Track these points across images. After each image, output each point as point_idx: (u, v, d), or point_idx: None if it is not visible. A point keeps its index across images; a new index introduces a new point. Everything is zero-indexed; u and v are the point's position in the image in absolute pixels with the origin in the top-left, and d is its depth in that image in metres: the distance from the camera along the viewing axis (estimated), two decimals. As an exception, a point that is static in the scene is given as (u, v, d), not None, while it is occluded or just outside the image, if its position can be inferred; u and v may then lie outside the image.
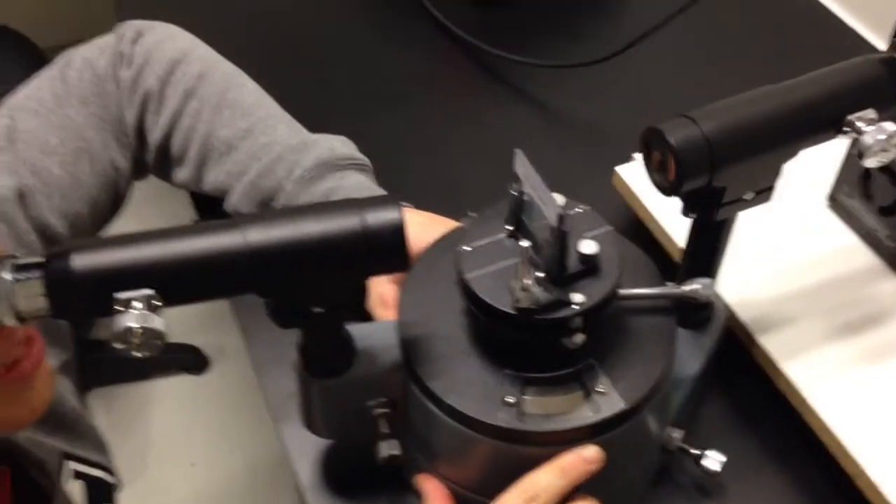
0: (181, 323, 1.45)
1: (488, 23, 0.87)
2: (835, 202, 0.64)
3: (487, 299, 0.47)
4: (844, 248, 0.63)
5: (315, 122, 0.68)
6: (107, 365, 1.46)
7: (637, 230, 0.68)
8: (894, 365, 0.56)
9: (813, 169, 0.61)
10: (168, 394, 1.46)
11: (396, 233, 0.44)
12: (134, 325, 0.40)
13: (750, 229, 0.60)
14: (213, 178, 0.66)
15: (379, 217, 0.44)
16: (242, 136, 0.65)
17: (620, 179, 0.69)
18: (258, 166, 0.63)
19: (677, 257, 0.63)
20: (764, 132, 0.49)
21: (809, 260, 0.62)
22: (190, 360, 1.48)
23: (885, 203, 0.59)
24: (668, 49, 0.81)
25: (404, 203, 0.64)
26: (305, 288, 0.45)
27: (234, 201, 0.65)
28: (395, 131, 0.79)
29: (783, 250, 0.63)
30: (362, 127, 0.77)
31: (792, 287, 0.61)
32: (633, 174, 0.68)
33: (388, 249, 0.44)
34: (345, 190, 0.62)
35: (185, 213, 0.71)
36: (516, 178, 0.48)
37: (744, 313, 0.59)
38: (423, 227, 0.59)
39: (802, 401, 0.55)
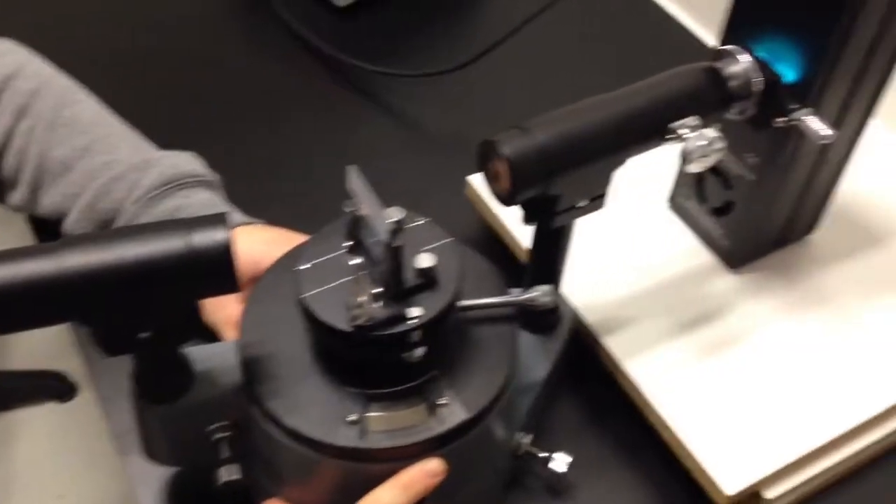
0: (47, 347, 1.39)
1: (346, 32, 0.86)
2: (674, 204, 0.67)
3: (324, 318, 0.46)
4: (684, 248, 0.65)
5: (170, 138, 0.66)
6: (-38, 395, 1.38)
7: (489, 238, 0.69)
8: (727, 359, 0.59)
9: (655, 172, 0.64)
10: (33, 423, 1.39)
11: (223, 254, 0.43)
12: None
13: (595, 232, 0.62)
14: (49, 201, 0.63)
15: (205, 238, 0.43)
16: (79, 155, 0.62)
17: (472, 189, 0.69)
18: (95, 186, 0.61)
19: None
20: (593, 141, 0.50)
21: (652, 261, 0.64)
22: (56, 388, 1.41)
23: (717, 204, 0.62)
24: (523, 55, 0.82)
25: (256, 220, 0.63)
26: (130, 313, 0.43)
27: (71, 224, 0.62)
28: (254, 145, 0.77)
29: (627, 252, 0.64)
30: (220, 142, 0.76)
31: (635, 288, 0.63)
32: (484, 183, 0.68)
33: (214, 271, 0.43)
34: (190, 209, 0.60)
35: (26, 237, 0.68)
36: (350, 195, 0.48)
37: (589, 316, 0.61)
38: (273, 244, 0.57)
39: (642, 398, 0.57)
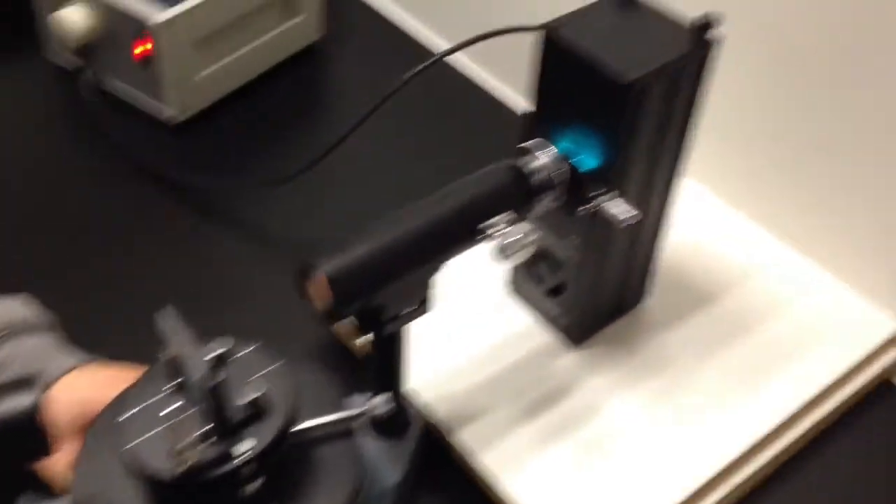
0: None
1: (188, 151, 0.87)
2: (513, 287, 0.69)
3: (148, 468, 0.45)
4: (527, 330, 0.67)
5: (10, 278, 0.64)
6: None
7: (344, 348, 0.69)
8: (576, 436, 0.60)
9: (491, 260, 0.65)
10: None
11: (28, 421, 0.42)
12: None
13: (440, 323, 0.63)
14: None
15: (10, 406, 0.42)
16: None
17: (318, 292, 0.70)
18: None
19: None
20: (408, 252, 0.51)
21: (497, 346, 0.66)
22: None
23: (551, 285, 0.64)
24: (361, 154, 0.83)
25: (94, 357, 0.62)
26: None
27: None
28: (100, 276, 0.76)
29: (473, 340, 0.66)
30: (63, 276, 0.75)
31: (483, 376, 0.64)
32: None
33: (21, 438, 0.42)
34: (26, 355, 0.58)
35: None
36: (163, 339, 0.48)
37: (440, 410, 0.61)
38: (105, 387, 0.56)
39: (493, 487, 0.58)
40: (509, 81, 0.94)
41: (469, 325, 0.66)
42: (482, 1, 0.93)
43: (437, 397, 0.62)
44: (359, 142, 0.75)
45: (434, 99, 0.91)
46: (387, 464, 0.57)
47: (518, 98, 0.92)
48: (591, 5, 0.56)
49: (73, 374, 0.59)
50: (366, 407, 0.54)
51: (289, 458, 0.50)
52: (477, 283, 0.67)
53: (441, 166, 0.84)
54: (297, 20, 0.94)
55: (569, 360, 0.65)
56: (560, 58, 0.54)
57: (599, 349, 0.65)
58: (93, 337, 0.63)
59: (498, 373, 0.64)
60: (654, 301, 0.68)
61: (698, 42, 0.53)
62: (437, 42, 0.99)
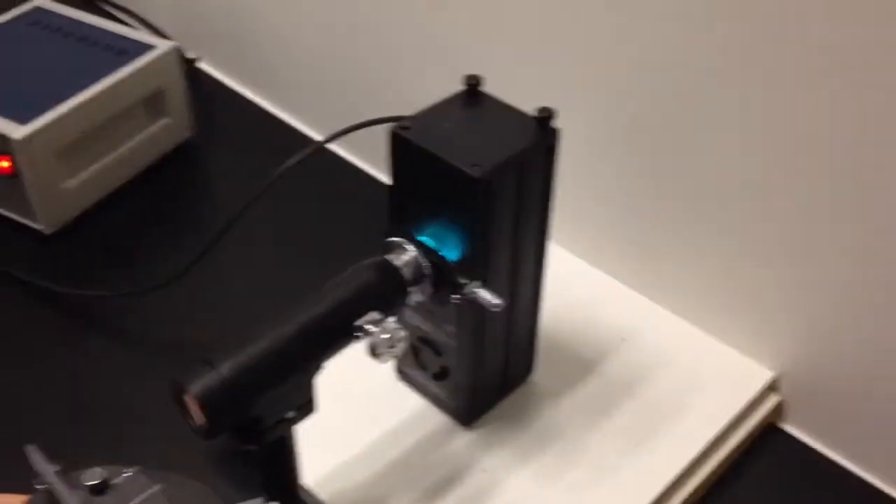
0: None
1: (61, 260, 0.84)
2: (401, 373, 0.69)
3: None
4: (418, 415, 0.67)
5: None
6: None
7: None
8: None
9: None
10: None
11: None
12: None
13: (330, 417, 0.62)
14: None
15: None
16: None
17: (204, 400, 0.68)
18: None
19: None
20: (280, 361, 0.51)
21: (389, 434, 0.65)
22: None
23: (435, 370, 0.64)
24: (244, 250, 0.83)
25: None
26: None
27: None
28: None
29: (366, 430, 0.65)
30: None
31: (378, 465, 0.63)
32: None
33: None
34: None
35: None
36: (36, 475, 0.46)
37: (339, 508, 0.61)
38: None
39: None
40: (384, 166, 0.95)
41: (360, 415, 0.66)
42: (352, 90, 0.94)
43: (333, 493, 0.61)
44: (239, 236, 0.74)
45: (313, 186, 0.92)
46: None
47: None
48: (440, 102, 0.57)
49: None
50: (252, 523, 0.53)
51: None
52: (364, 370, 0.67)
53: (325, 257, 0.85)
54: (163, 122, 0.93)
55: (462, 441, 0.65)
56: (410, 155, 0.55)
57: (491, 428, 0.66)
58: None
59: (394, 461, 0.64)
60: (540, 374, 0.69)
61: (543, 131, 0.55)
62: (307, 131, 1.01)
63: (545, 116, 0.56)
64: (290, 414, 0.53)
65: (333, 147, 0.97)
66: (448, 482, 0.63)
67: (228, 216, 0.74)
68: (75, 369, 0.75)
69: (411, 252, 0.56)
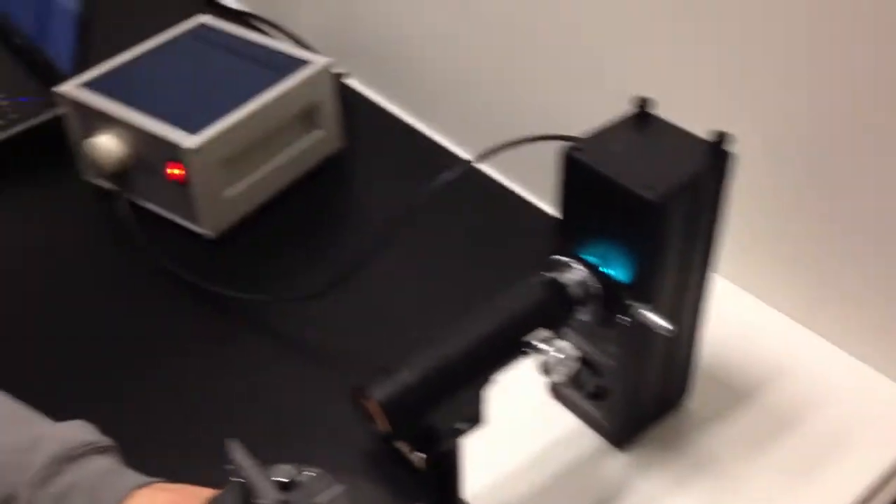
0: None
1: (222, 263, 0.89)
2: (555, 392, 0.69)
3: None
4: (572, 434, 0.67)
5: (55, 394, 0.65)
6: None
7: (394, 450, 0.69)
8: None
9: (530, 363, 0.66)
10: None
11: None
12: None
13: (486, 434, 0.63)
14: None
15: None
16: None
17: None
18: None
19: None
20: (456, 372, 0.52)
21: (544, 453, 0.66)
22: None
23: (592, 390, 0.65)
24: (397, 261, 0.85)
25: (155, 479, 0.62)
26: None
27: None
28: (142, 391, 0.77)
29: (519, 449, 0.66)
30: (107, 391, 0.76)
31: (532, 482, 0.64)
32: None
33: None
34: (86, 481, 0.59)
35: None
36: (234, 468, 0.49)
37: (492, 521, 0.62)
38: None
39: None
40: (534, 187, 0.96)
41: (515, 433, 0.67)
42: (499, 110, 0.96)
43: (489, 507, 0.62)
44: (389, 250, 0.77)
45: (460, 205, 0.94)
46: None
47: (544, 204, 0.95)
48: (610, 124, 0.58)
49: (135, 497, 0.59)
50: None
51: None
52: (519, 389, 0.68)
53: (473, 273, 0.86)
54: (316, 134, 0.97)
55: (616, 463, 0.65)
56: (583, 177, 0.56)
57: (646, 451, 0.66)
58: (146, 457, 0.64)
59: (547, 480, 0.64)
60: (696, 400, 0.68)
61: (716, 155, 0.55)
62: (454, 149, 1.03)
63: (720, 140, 0.55)
64: (461, 425, 0.54)
65: (485, 167, 0.98)
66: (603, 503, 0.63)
67: (380, 230, 0.77)
68: (234, 368, 0.79)
69: (580, 271, 0.56)
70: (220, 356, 0.80)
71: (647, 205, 0.52)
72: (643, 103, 0.58)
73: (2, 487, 0.59)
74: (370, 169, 1.01)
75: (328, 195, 0.97)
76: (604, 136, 0.58)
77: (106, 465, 0.61)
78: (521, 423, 0.68)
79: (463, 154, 1.01)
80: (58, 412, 0.64)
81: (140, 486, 0.61)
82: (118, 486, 0.60)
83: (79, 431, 0.63)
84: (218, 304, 0.84)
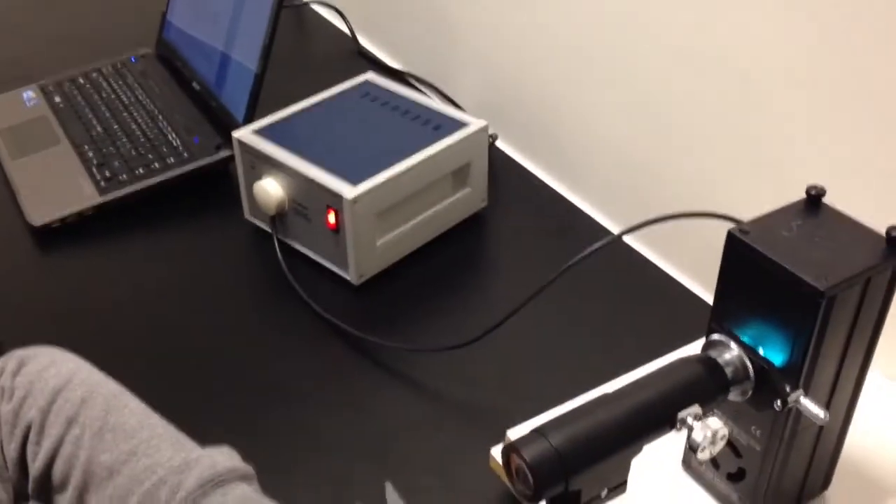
0: None
1: (366, 309, 0.93)
2: (689, 466, 0.70)
3: None
4: (704, 512, 0.67)
5: (204, 421, 0.70)
6: None
7: (515, 508, 0.71)
8: None
9: (667, 436, 0.67)
10: None
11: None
12: None
13: (618, 500, 0.65)
14: None
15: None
16: (125, 459, 0.66)
17: (495, 460, 0.73)
18: (141, 492, 0.64)
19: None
20: (608, 439, 0.54)
21: (675, 527, 0.66)
22: None
23: (730, 470, 0.65)
24: (535, 323, 0.88)
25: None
26: None
27: None
28: (283, 426, 0.81)
29: (650, 518, 0.67)
30: (251, 423, 0.80)
31: (662, 557, 0.64)
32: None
33: None
34: None
35: None
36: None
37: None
38: None
39: None
40: (676, 262, 0.97)
41: (645, 500, 0.67)
42: (646, 185, 0.98)
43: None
44: (529, 310, 0.79)
45: (599, 274, 0.95)
46: None
47: (685, 279, 0.95)
48: (779, 209, 0.59)
49: None
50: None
51: None
52: (652, 459, 0.69)
53: (612, 341, 0.87)
54: (465, 191, 1.01)
55: (751, 547, 0.65)
56: (747, 258, 0.57)
57: (781, 538, 0.65)
58: (277, 491, 0.68)
59: (677, 556, 0.64)
60: (836, 492, 0.67)
61: (890, 250, 0.55)
62: (594, 214, 1.05)
63: (894, 236, 0.55)
64: (604, 492, 0.56)
65: (626, 238, 1.00)
66: (734, 585, 0.62)
67: (518, 288, 0.79)
68: (368, 413, 0.83)
69: (735, 351, 0.57)
70: (356, 399, 0.84)
71: (816, 293, 0.53)
72: (816, 191, 0.59)
73: (151, 503, 0.64)
74: (513, 229, 1.04)
75: (470, 252, 1.01)
76: (772, 220, 0.59)
77: (248, 492, 0.65)
78: (651, 495, 0.68)
79: (607, 223, 1.03)
80: (196, 438, 0.69)
81: None
82: None
83: (225, 457, 0.67)
84: (358, 347, 0.89)
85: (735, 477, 0.65)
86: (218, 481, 0.65)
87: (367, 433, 0.80)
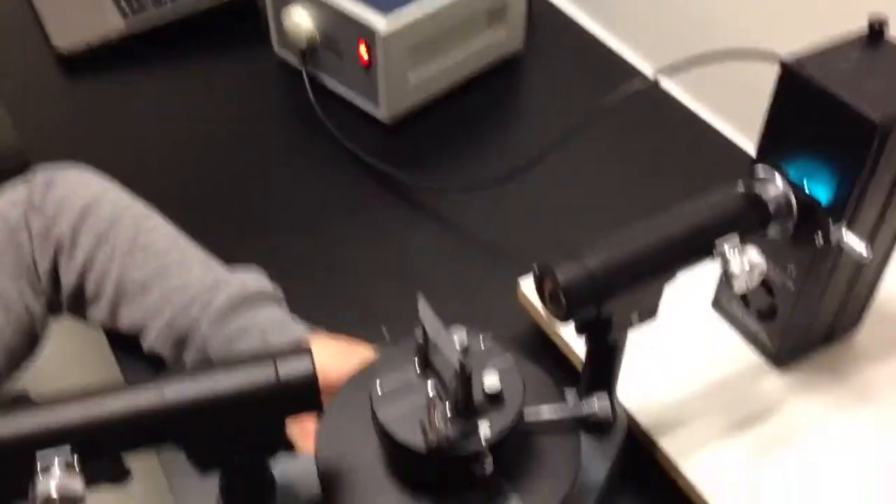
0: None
1: (396, 148, 0.92)
2: (718, 305, 0.70)
3: (401, 440, 0.49)
4: (730, 350, 0.68)
5: (231, 249, 0.71)
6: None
7: (542, 340, 0.72)
8: (782, 458, 0.61)
9: (697, 275, 0.67)
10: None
11: (310, 384, 0.47)
12: (53, 494, 0.42)
13: (644, 336, 0.65)
14: (128, 319, 0.68)
15: (292, 369, 0.47)
16: (155, 277, 0.67)
17: (523, 293, 0.73)
18: (171, 309, 0.66)
19: (579, 366, 0.67)
20: (643, 265, 0.53)
21: (701, 362, 0.67)
22: (111, 470, 1.46)
23: (761, 308, 0.65)
24: (565, 167, 0.86)
25: (318, 329, 0.67)
26: (223, 438, 0.47)
27: (150, 341, 0.66)
28: (310, 256, 0.82)
29: (676, 354, 0.67)
30: (277, 252, 0.81)
31: (687, 389, 0.65)
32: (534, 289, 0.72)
33: (301, 399, 0.47)
34: (258, 325, 0.65)
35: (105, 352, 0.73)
36: (420, 322, 0.52)
37: (643, 418, 0.63)
38: (338, 356, 0.61)
39: (700, 497, 0.59)
40: (712, 105, 0.94)
41: (673, 339, 0.68)
42: (687, 25, 0.94)
43: (640, 404, 0.64)
44: (563, 153, 0.78)
45: (634, 118, 0.93)
46: (592, 461, 0.60)
47: (720, 123, 0.93)
48: (836, 43, 0.56)
49: (314, 340, 0.64)
50: (591, 409, 0.57)
51: (517, 444, 0.53)
52: (682, 296, 0.69)
53: (645, 186, 0.86)
54: (501, 31, 0.98)
55: (774, 381, 0.65)
56: (801, 92, 0.55)
57: (805, 374, 0.66)
58: (308, 312, 0.69)
59: (701, 387, 0.65)
60: (866, 332, 0.68)
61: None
62: (631, 59, 1.01)
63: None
64: (634, 317, 0.56)
65: (665, 83, 0.97)
66: (757, 418, 0.63)
67: (550, 131, 0.78)
68: (395, 246, 0.83)
69: (780, 186, 0.56)
70: (384, 234, 0.84)
71: (870, 125, 0.51)
72: (878, 23, 0.56)
73: (184, 320, 0.65)
74: (547, 73, 1.01)
75: (504, 95, 0.99)
76: (828, 54, 0.56)
77: (277, 313, 0.66)
78: (679, 332, 0.69)
79: (641, 65, 1.00)
80: (230, 264, 0.70)
81: (308, 334, 0.66)
82: (288, 332, 0.65)
83: (255, 278, 0.68)
84: (387, 185, 0.88)
85: (765, 315, 0.65)
86: (248, 301, 0.66)
87: (394, 265, 0.81)
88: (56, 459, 0.44)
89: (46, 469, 0.43)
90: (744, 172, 0.58)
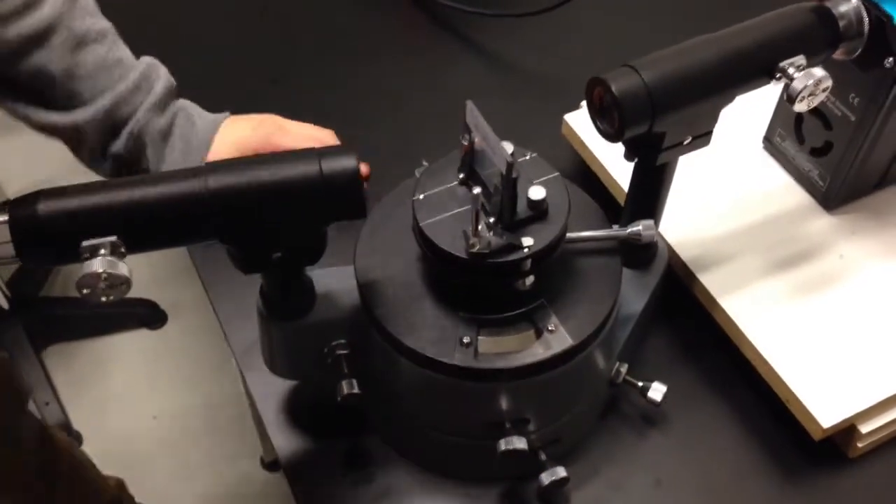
0: (138, 277, 1.44)
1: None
2: (769, 144, 0.67)
3: (442, 245, 0.49)
4: (779, 188, 0.66)
5: (273, 75, 0.69)
6: (62, 322, 1.47)
7: (585, 175, 0.70)
8: (823, 297, 0.60)
9: (748, 112, 0.64)
10: (126, 349, 1.46)
11: (352, 180, 0.46)
12: (100, 269, 0.42)
13: (690, 172, 0.63)
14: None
15: (335, 165, 0.46)
16: (95, 37, 0.58)
17: (569, 127, 0.71)
18: (112, 94, 0.58)
19: (622, 201, 0.66)
20: (701, 80, 0.51)
21: (746, 200, 0.65)
22: (147, 315, 1.49)
23: (816, 144, 0.63)
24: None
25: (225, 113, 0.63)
26: (266, 234, 0.47)
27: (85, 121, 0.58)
28: (354, 85, 0.80)
29: (722, 191, 0.66)
30: (322, 80, 0.79)
31: (730, 226, 0.64)
32: (581, 122, 0.70)
33: (344, 195, 0.46)
34: (185, 108, 0.60)
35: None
36: (467, 129, 0.50)
37: (684, 252, 0.62)
38: (255, 125, 0.59)
39: (739, 333, 0.59)
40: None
41: (721, 175, 0.66)
42: None
43: (682, 239, 0.63)
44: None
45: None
46: (632, 291, 0.59)
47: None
48: None
49: (226, 123, 0.60)
50: (635, 228, 0.55)
51: (559, 263, 0.53)
52: (733, 133, 0.66)
53: (696, 22, 0.82)
54: None
55: (821, 222, 0.64)
56: None
57: (854, 217, 0.64)
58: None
59: (745, 225, 0.64)
60: (919, 178, 0.65)
61: None
62: None
63: None
64: (687, 140, 0.54)
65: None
66: (800, 258, 0.62)
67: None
68: (445, 78, 0.80)
69: (853, 3, 0.53)
70: (431, 66, 0.82)
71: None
72: None
73: (127, 109, 0.58)
74: None
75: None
76: None
77: (189, 103, 0.61)
78: (726, 168, 0.67)
79: None
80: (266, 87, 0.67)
81: (221, 119, 0.61)
82: (209, 118, 0.60)
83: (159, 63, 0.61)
84: (435, 14, 0.85)
85: (820, 151, 0.62)
86: (174, 92, 0.60)
87: (438, 98, 0.79)
88: (103, 242, 0.43)
89: (93, 250, 0.43)
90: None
